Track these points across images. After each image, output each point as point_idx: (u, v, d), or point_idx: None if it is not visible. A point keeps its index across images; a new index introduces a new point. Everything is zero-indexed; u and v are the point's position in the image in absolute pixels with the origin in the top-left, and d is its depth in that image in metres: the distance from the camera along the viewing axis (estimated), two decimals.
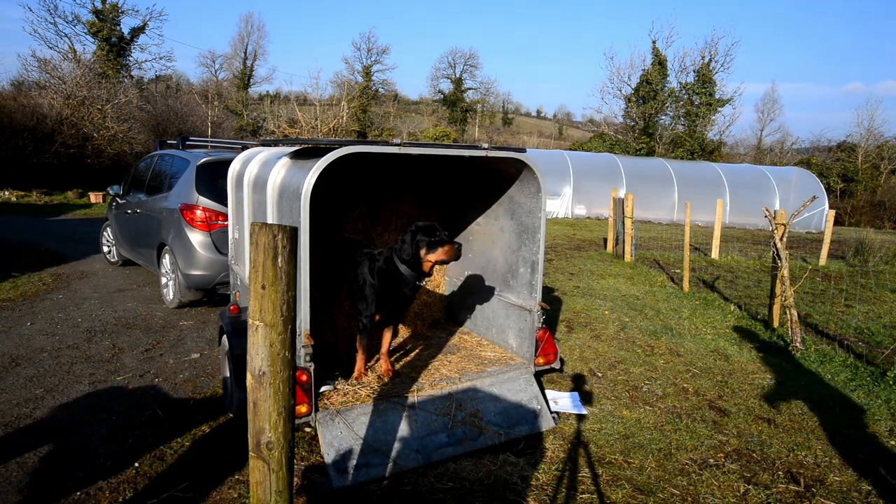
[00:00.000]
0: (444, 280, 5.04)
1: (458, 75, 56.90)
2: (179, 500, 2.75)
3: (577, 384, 4.30)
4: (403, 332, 4.52)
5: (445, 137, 40.51)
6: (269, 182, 3.44)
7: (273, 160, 3.67)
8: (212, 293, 5.98)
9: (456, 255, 3.20)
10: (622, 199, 10.56)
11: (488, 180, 4.21)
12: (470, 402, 3.43)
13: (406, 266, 3.25)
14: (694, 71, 33.89)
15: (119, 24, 31.14)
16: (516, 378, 3.71)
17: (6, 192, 17.59)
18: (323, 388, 3.24)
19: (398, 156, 3.17)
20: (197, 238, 5.67)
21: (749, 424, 3.70)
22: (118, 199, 7.71)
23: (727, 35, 64.31)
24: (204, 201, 5.74)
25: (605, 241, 12.20)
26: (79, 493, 2.79)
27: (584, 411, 3.77)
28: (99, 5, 30.19)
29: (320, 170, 2.84)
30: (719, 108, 33.80)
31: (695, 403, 4.01)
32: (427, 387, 3.40)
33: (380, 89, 51.20)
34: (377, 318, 3.45)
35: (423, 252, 3.19)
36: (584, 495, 2.86)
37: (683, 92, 34.21)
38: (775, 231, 5.46)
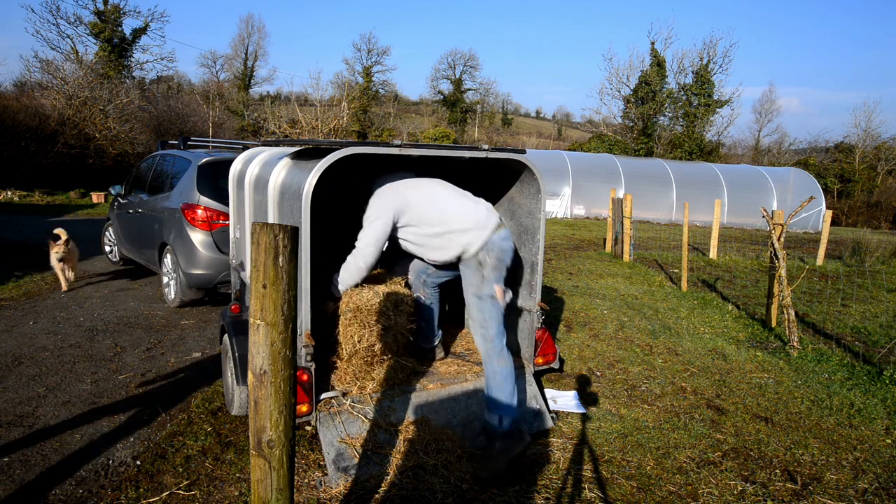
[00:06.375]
0: None
1: (457, 76, 56.85)
2: (181, 497, 2.78)
3: (576, 383, 4.32)
4: None
5: (445, 138, 40.52)
6: (271, 182, 3.46)
7: (274, 160, 3.69)
8: (213, 292, 6.01)
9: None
10: (621, 199, 10.59)
11: (488, 181, 4.24)
12: (469, 402, 3.46)
13: None
14: (692, 72, 33.89)
15: (121, 25, 31.18)
16: (515, 378, 3.72)
17: (9, 192, 17.61)
18: (325, 395, 3.22)
19: (399, 157, 3.19)
20: (198, 237, 5.70)
21: (747, 423, 3.73)
22: (120, 199, 7.73)
23: (725, 37, 64.22)
24: (205, 201, 5.77)
25: (604, 241, 12.23)
26: (81, 491, 2.82)
27: (583, 410, 3.80)
28: (101, 6, 30.24)
29: (321, 170, 2.87)
30: (717, 109, 33.80)
31: (693, 402, 4.03)
32: (427, 387, 3.42)
33: (380, 90, 51.18)
34: None
35: None
36: (584, 493, 2.88)
37: (682, 93, 34.21)
38: (773, 231, 5.48)
